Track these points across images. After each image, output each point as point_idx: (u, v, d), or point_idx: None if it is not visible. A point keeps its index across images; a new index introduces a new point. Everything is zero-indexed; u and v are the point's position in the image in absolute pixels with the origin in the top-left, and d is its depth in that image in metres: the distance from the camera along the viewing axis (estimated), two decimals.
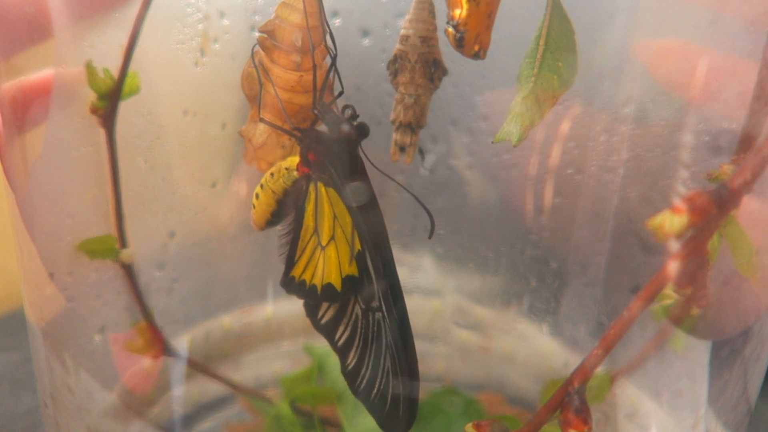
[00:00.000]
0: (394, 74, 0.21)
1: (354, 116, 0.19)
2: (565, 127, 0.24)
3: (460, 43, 0.17)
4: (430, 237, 0.20)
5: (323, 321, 0.20)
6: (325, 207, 0.19)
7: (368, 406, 0.20)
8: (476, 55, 0.17)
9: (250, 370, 0.30)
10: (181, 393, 0.28)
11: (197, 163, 0.26)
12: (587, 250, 0.25)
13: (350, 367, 0.20)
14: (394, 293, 0.19)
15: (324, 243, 0.19)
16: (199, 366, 0.28)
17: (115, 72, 0.22)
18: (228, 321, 0.30)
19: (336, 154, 0.19)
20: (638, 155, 0.23)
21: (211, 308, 0.29)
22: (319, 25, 0.19)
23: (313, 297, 0.20)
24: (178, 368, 0.27)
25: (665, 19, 0.21)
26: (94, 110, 0.22)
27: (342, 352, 0.20)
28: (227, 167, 0.26)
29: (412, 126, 0.21)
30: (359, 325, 0.20)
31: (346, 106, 0.19)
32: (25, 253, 0.23)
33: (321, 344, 0.21)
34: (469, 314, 0.30)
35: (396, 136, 0.21)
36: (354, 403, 0.26)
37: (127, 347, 0.25)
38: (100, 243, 0.24)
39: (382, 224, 0.19)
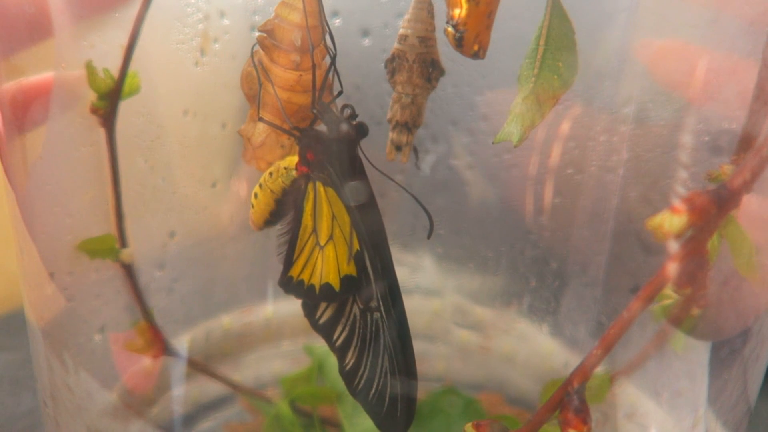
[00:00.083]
0: (392, 73, 0.21)
1: (353, 116, 0.19)
2: (565, 127, 0.24)
3: (459, 43, 0.17)
4: (429, 237, 0.19)
5: (321, 321, 0.20)
6: (324, 206, 0.19)
7: (366, 406, 0.20)
8: (476, 55, 0.17)
9: (250, 369, 0.30)
10: (181, 393, 0.28)
11: (197, 162, 0.26)
12: (587, 250, 0.25)
13: (348, 367, 0.20)
14: (392, 293, 0.19)
15: (322, 243, 0.19)
16: (199, 366, 0.28)
17: (115, 72, 0.22)
18: (228, 321, 0.30)
19: (335, 154, 0.19)
20: (638, 155, 0.23)
21: (211, 308, 0.29)
22: (318, 24, 0.19)
23: (311, 297, 0.20)
24: (178, 368, 0.27)
25: (665, 19, 0.21)
26: (94, 110, 0.22)
27: (340, 352, 0.20)
28: (227, 167, 0.26)
29: (409, 125, 0.21)
30: (357, 325, 0.20)
31: (345, 106, 0.19)
32: (25, 252, 0.23)
33: (321, 344, 0.21)
34: (469, 314, 0.30)
35: (392, 135, 0.21)
36: (354, 403, 0.26)
37: (127, 347, 0.25)
38: (100, 243, 0.24)
39: (380, 224, 0.19)
